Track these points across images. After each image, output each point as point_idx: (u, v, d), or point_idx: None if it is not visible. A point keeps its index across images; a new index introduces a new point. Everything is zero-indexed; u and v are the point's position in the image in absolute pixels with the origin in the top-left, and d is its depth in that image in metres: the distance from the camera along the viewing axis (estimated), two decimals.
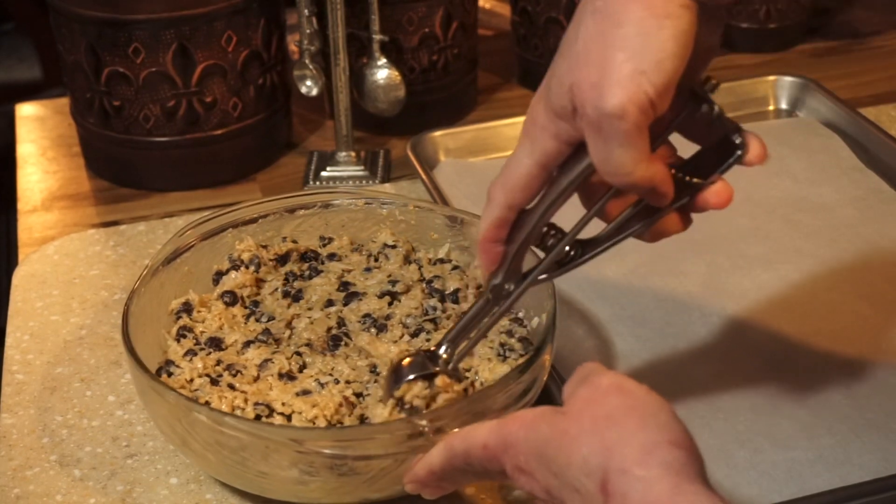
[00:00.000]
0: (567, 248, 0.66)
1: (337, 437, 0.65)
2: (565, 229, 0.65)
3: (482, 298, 0.67)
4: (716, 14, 0.60)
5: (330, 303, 0.81)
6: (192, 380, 0.74)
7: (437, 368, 0.67)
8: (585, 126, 0.58)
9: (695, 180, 0.63)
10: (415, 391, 0.66)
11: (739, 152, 0.62)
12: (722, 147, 0.62)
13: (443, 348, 0.68)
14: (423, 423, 0.64)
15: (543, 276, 0.67)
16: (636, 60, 0.55)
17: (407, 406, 0.66)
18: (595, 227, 0.66)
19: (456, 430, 0.62)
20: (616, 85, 0.55)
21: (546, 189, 0.63)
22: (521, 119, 1.10)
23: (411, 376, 0.67)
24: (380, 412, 0.67)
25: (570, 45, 0.58)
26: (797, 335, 0.83)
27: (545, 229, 0.65)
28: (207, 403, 0.70)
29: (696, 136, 0.64)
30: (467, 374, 0.73)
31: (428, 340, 0.77)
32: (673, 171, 0.62)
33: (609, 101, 0.55)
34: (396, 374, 0.67)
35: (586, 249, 0.66)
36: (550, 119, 0.60)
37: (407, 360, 0.68)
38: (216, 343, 0.77)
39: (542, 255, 0.66)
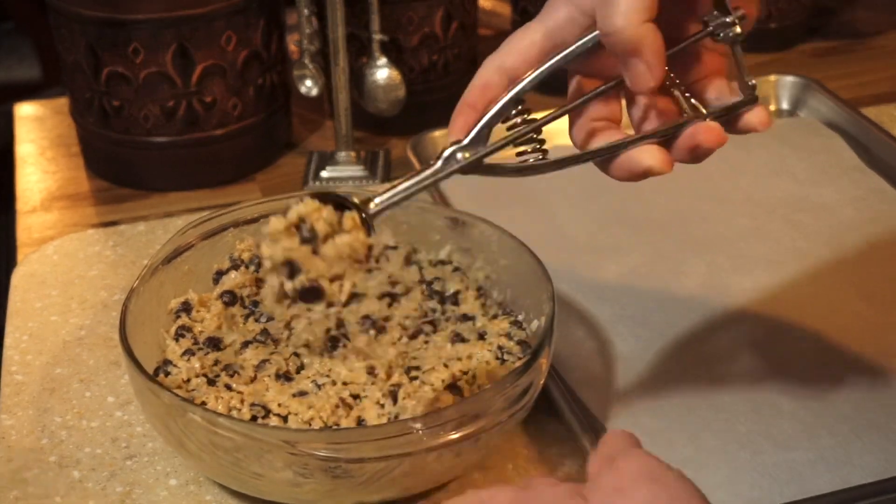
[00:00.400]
0: (531, 140, 0.61)
1: (330, 440, 0.65)
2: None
3: (428, 166, 0.61)
4: None
5: (329, 304, 0.81)
6: (189, 380, 0.73)
7: (356, 202, 0.60)
8: None
9: (692, 101, 0.60)
10: (323, 213, 0.59)
11: (753, 96, 0.60)
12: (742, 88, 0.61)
13: (372, 202, 0.60)
14: (418, 426, 0.64)
15: (492, 161, 0.61)
16: None
17: (305, 228, 0.59)
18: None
19: (474, 492, 0.55)
20: None
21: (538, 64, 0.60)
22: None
23: (326, 199, 0.60)
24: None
25: None
26: (798, 335, 0.83)
27: (518, 108, 0.61)
28: (204, 404, 0.70)
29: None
30: (465, 374, 0.73)
31: (426, 343, 0.76)
32: (681, 86, 0.60)
33: None
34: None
35: (548, 155, 0.61)
36: None
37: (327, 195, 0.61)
38: (214, 343, 0.77)
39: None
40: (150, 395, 0.68)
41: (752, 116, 0.60)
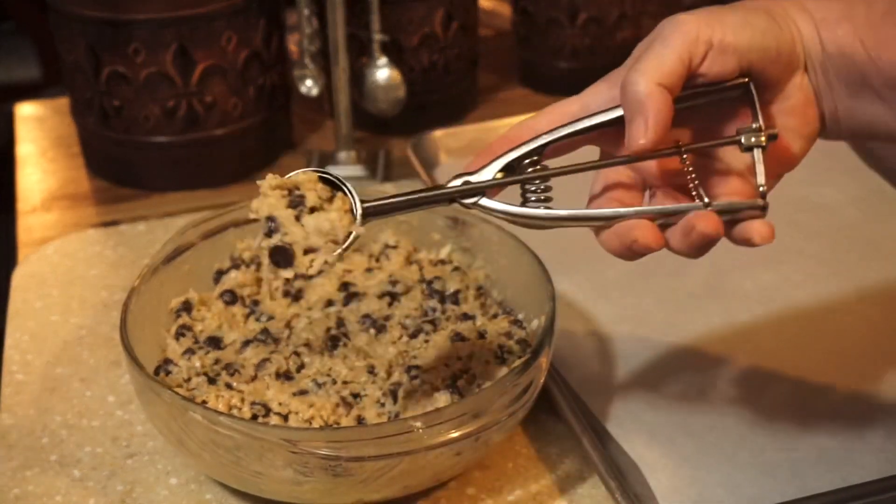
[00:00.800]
0: (538, 189, 0.61)
1: (330, 438, 0.65)
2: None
3: (432, 186, 0.63)
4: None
5: (330, 303, 0.81)
6: (189, 379, 0.73)
7: (348, 193, 0.61)
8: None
9: (701, 192, 0.59)
10: (318, 186, 0.61)
11: (761, 204, 0.59)
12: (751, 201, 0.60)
13: (367, 201, 0.61)
14: (418, 424, 0.64)
15: (500, 207, 0.61)
16: (725, 17, 0.57)
17: (296, 194, 0.60)
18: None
19: None
20: (694, 16, 0.58)
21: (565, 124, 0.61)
22: (522, 119, 1.12)
23: (326, 177, 0.61)
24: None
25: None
26: (798, 335, 0.83)
27: (533, 158, 0.61)
28: (204, 403, 0.70)
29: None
30: (466, 372, 0.74)
31: (427, 342, 0.76)
32: (692, 173, 0.59)
33: (682, 18, 0.57)
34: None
35: (549, 205, 0.62)
36: (618, 75, 0.62)
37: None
38: (215, 342, 0.77)
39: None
40: (151, 394, 0.68)
41: (753, 226, 0.59)
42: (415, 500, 0.70)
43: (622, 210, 0.60)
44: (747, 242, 0.59)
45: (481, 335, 0.77)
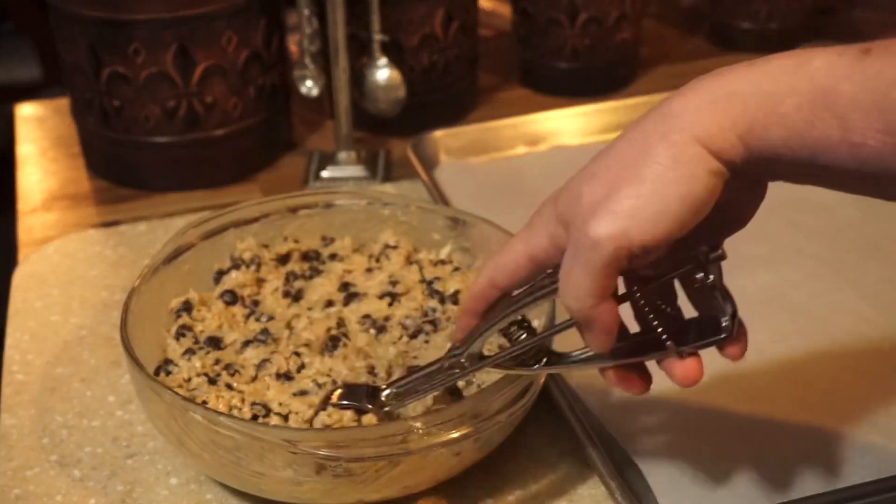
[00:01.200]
0: (532, 348, 0.64)
1: (331, 439, 0.65)
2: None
3: (438, 361, 0.67)
4: (755, 189, 0.59)
5: (330, 303, 0.81)
6: (189, 379, 0.73)
7: (371, 407, 0.68)
8: (569, 236, 0.56)
9: (666, 341, 0.59)
10: (342, 418, 0.69)
11: (723, 336, 0.58)
12: (709, 322, 0.59)
13: (386, 392, 0.69)
14: (418, 425, 0.64)
15: (496, 368, 0.65)
16: (637, 204, 0.53)
17: (324, 427, 0.68)
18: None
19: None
20: (609, 215, 0.53)
21: (532, 283, 0.61)
22: (522, 119, 1.12)
23: (345, 402, 0.69)
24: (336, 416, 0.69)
25: (601, 157, 0.57)
26: (798, 335, 0.83)
27: (518, 319, 0.64)
28: (205, 403, 0.70)
29: (691, 297, 0.61)
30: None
31: (427, 342, 0.77)
32: (653, 320, 0.59)
33: (594, 227, 0.54)
34: (343, 393, 0.70)
35: (550, 360, 0.65)
36: (550, 218, 0.59)
37: (348, 386, 0.70)
38: (215, 342, 0.77)
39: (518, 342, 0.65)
40: (151, 394, 0.68)
41: (728, 351, 0.60)
42: (415, 500, 0.70)
43: (602, 362, 0.60)
44: (731, 359, 0.60)
45: None
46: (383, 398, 0.68)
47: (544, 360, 0.65)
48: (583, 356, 0.62)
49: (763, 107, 0.52)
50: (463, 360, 0.65)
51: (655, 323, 0.59)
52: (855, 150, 0.50)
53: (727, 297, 0.59)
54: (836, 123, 0.50)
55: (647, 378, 0.61)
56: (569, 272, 0.56)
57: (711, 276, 0.58)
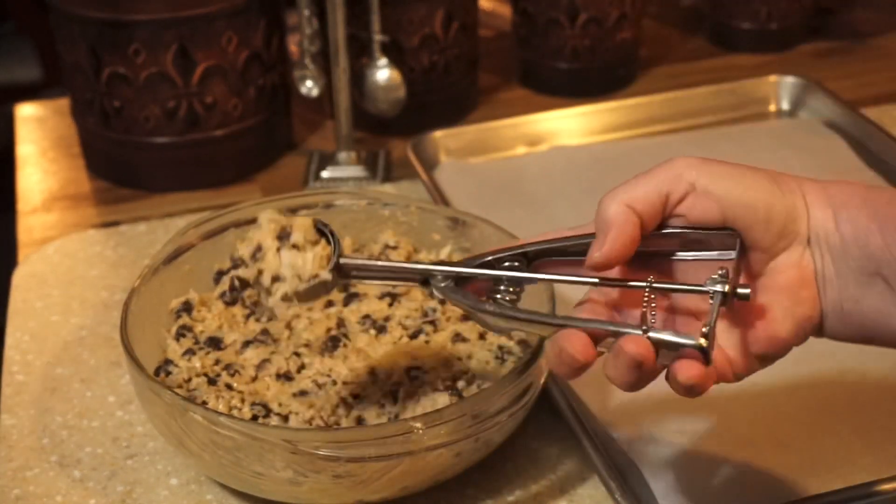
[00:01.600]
0: (506, 290, 0.62)
1: (331, 439, 0.65)
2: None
3: (417, 262, 0.66)
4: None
5: (330, 303, 0.81)
6: (189, 379, 0.73)
7: (333, 244, 0.64)
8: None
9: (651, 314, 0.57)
10: (309, 229, 0.65)
11: (691, 343, 0.54)
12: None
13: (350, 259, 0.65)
14: (418, 425, 0.64)
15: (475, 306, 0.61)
16: (724, 166, 0.58)
17: (286, 230, 0.65)
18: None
19: None
20: (697, 159, 0.58)
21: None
22: (522, 119, 1.12)
23: (321, 225, 0.65)
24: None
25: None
26: None
27: (514, 263, 0.62)
28: (204, 403, 0.70)
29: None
30: (466, 373, 0.74)
31: (427, 342, 0.77)
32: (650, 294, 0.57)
33: (677, 159, 0.58)
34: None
35: (516, 304, 0.61)
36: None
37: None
38: (215, 343, 0.77)
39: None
40: (151, 394, 0.68)
41: (682, 364, 0.55)
42: (415, 500, 0.70)
43: (566, 320, 0.57)
44: (673, 381, 0.55)
45: (481, 336, 0.77)
46: (349, 259, 0.64)
47: (515, 297, 0.61)
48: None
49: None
50: (440, 281, 0.62)
51: (652, 307, 0.57)
52: None
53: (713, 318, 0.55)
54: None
55: (588, 346, 0.56)
56: (627, 180, 0.59)
57: (722, 291, 0.55)
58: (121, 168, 1.08)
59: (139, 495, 0.73)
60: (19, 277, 0.95)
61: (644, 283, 0.58)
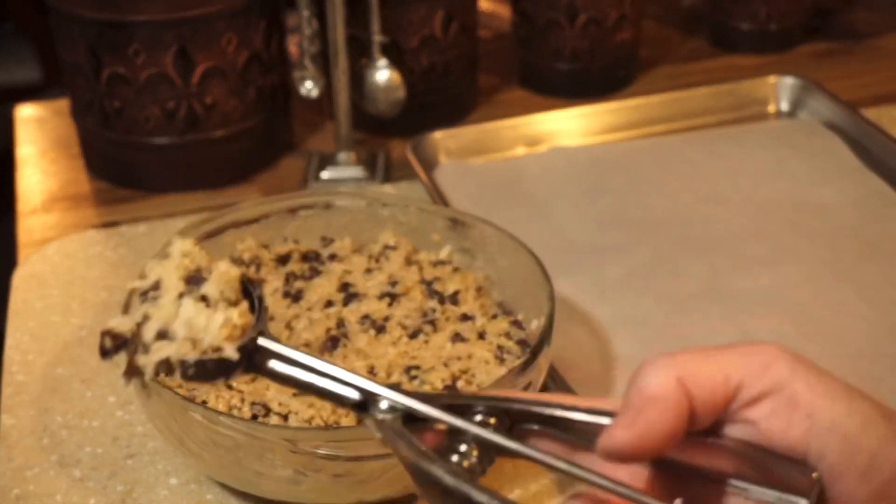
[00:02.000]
0: (469, 449, 0.46)
1: (330, 438, 0.65)
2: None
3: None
4: None
5: (329, 304, 0.81)
6: None
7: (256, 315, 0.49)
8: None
9: None
10: (231, 286, 0.49)
11: None
12: None
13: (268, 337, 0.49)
14: None
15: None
16: (841, 386, 0.43)
17: (201, 274, 0.48)
18: None
19: None
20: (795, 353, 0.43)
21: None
22: (522, 120, 1.13)
23: (251, 286, 0.50)
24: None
25: None
26: (797, 336, 0.83)
27: (498, 414, 0.46)
28: (204, 402, 0.70)
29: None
30: (466, 373, 0.74)
31: (426, 342, 0.77)
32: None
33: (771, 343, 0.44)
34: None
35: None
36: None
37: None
38: None
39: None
40: (151, 394, 0.68)
41: None
42: (415, 500, 0.70)
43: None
44: None
45: (481, 336, 0.77)
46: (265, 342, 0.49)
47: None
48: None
49: None
50: (384, 411, 0.47)
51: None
52: None
53: None
54: None
55: None
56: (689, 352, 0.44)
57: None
58: (121, 169, 1.09)
59: (139, 495, 0.73)
60: (19, 278, 0.95)
61: None
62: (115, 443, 0.77)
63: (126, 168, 1.08)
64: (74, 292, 0.93)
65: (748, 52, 1.31)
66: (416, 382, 0.73)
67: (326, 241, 0.87)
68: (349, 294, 0.81)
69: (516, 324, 0.79)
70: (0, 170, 1.48)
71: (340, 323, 0.79)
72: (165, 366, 0.46)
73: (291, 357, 0.48)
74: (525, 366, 0.68)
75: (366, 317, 0.79)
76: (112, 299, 0.91)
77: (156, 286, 0.48)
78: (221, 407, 0.70)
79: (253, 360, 0.47)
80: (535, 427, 0.45)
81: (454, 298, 0.80)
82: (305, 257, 0.85)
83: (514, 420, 0.45)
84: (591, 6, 1.17)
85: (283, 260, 0.85)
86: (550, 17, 1.18)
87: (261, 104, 1.08)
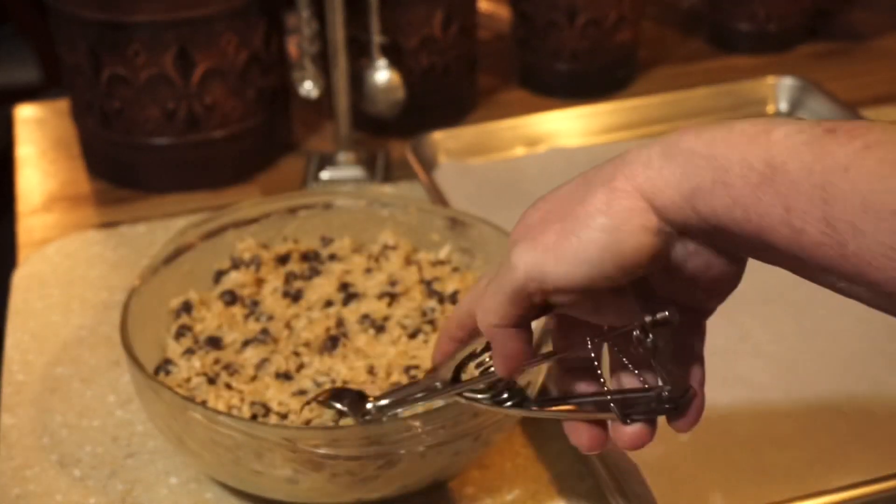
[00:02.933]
0: (501, 386, 0.58)
1: (330, 438, 0.65)
2: None
3: (420, 382, 0.64)
4: (732, 263, 0.53)
5: (329, 303, 0.81)
6: (189, 378, 0.74)
7: (347, 411, 0.66)
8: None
9: (610, 402, 0.53)
10: (324, 415, 0.69)
11: (665, 407, 0.53)
12: (655, 394, 0.53)
13: (369, 405, 0.65)
14: (417, 423, 0.64)
15: (461, 398, 0.59)
16: (559, 241, 0.49)
17: (307, 421, 0.69)
18: None
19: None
20: (530, 243, 0.50)
21: None
22: (521, 120, 1.13)
23: (331, 402, 0.67)
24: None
25: (555, 188, 0.53)
26: (797, 335, 0.83)
27: (483, 358, 0.59)
28: (204, 402, 0.70)
29: (635, 363, 0.54)
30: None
31: (426, 342, 0.77)
32: (604, 380, 0.54)
33: (515, 251, 0.51)
34: (332, 393, 0.68)
35: (515, 399, 0.58)
36: None
37: (339, 390, 0.68)
38: (215, 342, 0.77)
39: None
40: (151, 393, 0.68)
41: (675, 424, 0.54)
42: (414, 499, 0.71)
43: (555, 414, 0.56)
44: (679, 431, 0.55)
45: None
46: (367, 408, 0.65)
47: (507, 398, 0.58)
48: (547, 405, 0.58)
49: (712, 171, 0.47)
50: (437, 384, 0.60)
51: (604, 382, 0.54)
52: (795, 235, 0.46)
53: (673, 367, 0.53)
54: (778, 202, 0.45)
55: (601, 436, 0.55)
56: (485, 285, 0.53)
57: (650, 340, 0.51)
58: (120, 169, 1.09)
59: (139, 494, 0.73)
60: (19, 278, 0.95)
61: (602, 398, 0.54)
62: (115, 442, 0.77)
63: (126, 168, 1.08)
64: (74, 292, 0.93)
65: (747, 53, 1.31)
66: None
67: (326, 241, 0.87)
68: (349, 294, 0.82)
69: None
70: (0, 170, 1.48)
71: (340, 322, 0.79)
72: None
73: (394, 404, 0.65)
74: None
75: (365, 316, 0.79)
76: (112, 299, 0.92)
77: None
78: (221, 407, 0.70)
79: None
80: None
81: (454, 298, 0.81)
82: (305, 257, 0.85)
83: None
84: (591, 7, 1.17)
85: (282, 260, 0.85)
86: (550, 17, 1.19)
87: (261, 104, 1.08)
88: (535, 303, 0.51)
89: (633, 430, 0.54)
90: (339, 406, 0.66)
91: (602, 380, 0.54)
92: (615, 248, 0.48)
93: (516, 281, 0.50)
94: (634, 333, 0.51)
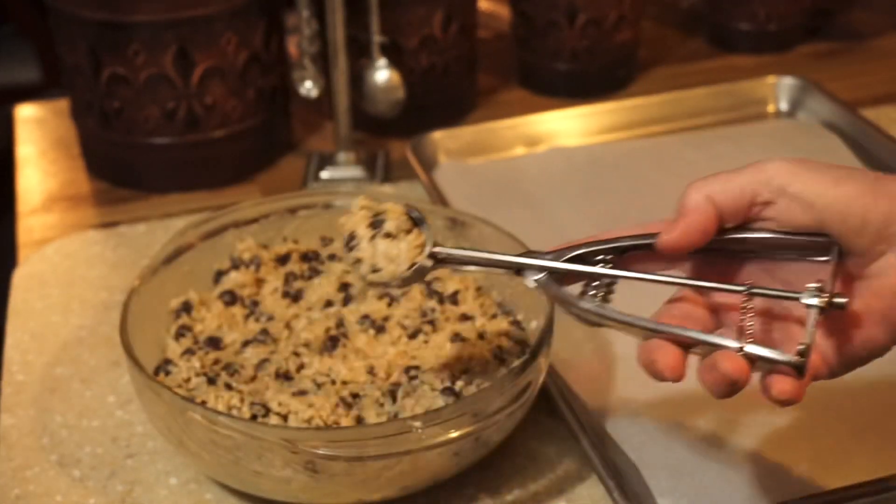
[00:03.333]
0: (601, 286, 0.61)
1: (330, 438, 0.65)
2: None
3: (509, 255, 0.64)
4: None
5: (329, 303, 0.81)
6: (189, 379, 0.74)
7: (425, 232, 0.65)
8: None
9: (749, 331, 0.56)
10: (401, 219, 0.65)
11: (789, 360, 0.54)
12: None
13: (442, 247, 0.65)
14: (417, 424, 0.64)
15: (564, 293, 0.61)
16: (822, 169, 0.57)
17: (379, 218, 0.65)
18: None
19: None
20: (792, 159, 0.58)
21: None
22: (521, 120, 1.13)
23: (413, 213, 0.65)
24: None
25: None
26: None
27: (607, 257, 0.61)
28: (204, 403, 0.70)
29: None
30: (465, 373, 0.74)
31: (426, 342, 0.77)
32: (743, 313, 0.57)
33: (772, 158, 0.58)
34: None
35: (608, 301, 0.60)
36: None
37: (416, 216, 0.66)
38: (214, 342, 0.77)
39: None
40: (151, 394, 0.68)
41: (774, 380, 0.54)
42: (414, 499, 0.71)
43: (661, 326, 0.57)
44: (766, 394, 0.55)
45: (480, 336, 0.77)
46: (440, 247, 0.64)
47: (605, 297, 0.60)
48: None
49: None
50: (538, 260, 0.62)
51: (750, 317, 0.56)
52: None
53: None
54: None
55: (679, 363, 0.57)
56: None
57: (819, 306, 0.55)
58: (120, 169, 1.09)
59: (139, 494, 0.73)
60: (19, 278, 0.95)
61: (742, 288, 0.57)
62: (115, 442, 0.77)
63: (126, 168, 1.08)
64: (74, 292, 0.93)
65: (747, 53, 1.31)
66: (415, 382, 0.73)
67: (326, 241, 0.87)
68: (349, 294, 0.81)
69: (516, 324, 0.79)
70: (0, 170, 1.48)
71: (340, 322, 0.79)
72: (383, 283, 0.65)
73: (457, 255, 0.64)
74: (525, 366, 0.68)
75: (365, 316, 0.79)
76: (112, 299, 0.92)
77: (352, 237, 0.65)
78: (221, 407, 0.70)
79: (436, 261, 0.64)
80: (637, 252, 0.61)
81: (454, 298, 0.81)
82: (305, 257, 0.85)
83: (621, 252, 0.61)
84: (591, 7, 1.17)
85: (282, 260, 0.85)
86: (550, 17, 1.19)
87: (261, 104, 1.08)
88: (756, 205, 0.58)
89: (785, 380, 0.54)
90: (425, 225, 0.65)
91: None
92: (867, 200, 0.56)
93: (761, 173, 0.57)
94: (809, 301, 0.55)
